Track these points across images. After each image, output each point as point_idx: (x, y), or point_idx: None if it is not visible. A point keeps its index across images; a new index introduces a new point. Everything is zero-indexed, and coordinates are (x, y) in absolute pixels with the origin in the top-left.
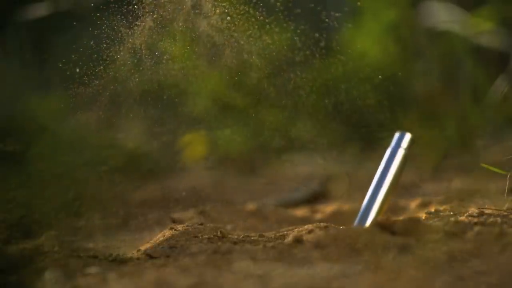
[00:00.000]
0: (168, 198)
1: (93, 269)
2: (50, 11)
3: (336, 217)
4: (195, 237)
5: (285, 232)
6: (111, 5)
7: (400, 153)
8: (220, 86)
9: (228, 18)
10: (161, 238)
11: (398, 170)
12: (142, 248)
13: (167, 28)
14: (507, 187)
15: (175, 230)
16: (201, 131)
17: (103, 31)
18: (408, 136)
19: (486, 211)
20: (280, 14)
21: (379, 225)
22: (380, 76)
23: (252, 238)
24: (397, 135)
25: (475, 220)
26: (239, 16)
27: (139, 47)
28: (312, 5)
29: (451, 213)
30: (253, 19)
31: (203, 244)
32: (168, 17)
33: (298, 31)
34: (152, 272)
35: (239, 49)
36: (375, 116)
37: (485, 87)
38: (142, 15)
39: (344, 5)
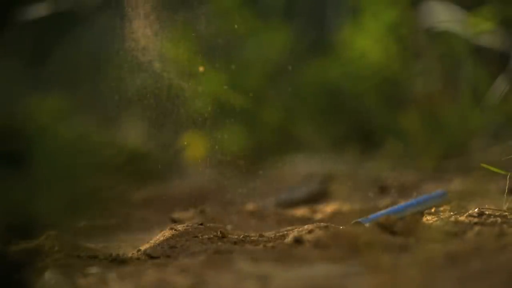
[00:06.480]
0: (168, 198)
1: (93, 269)
2: (50, 11)
3: (336, 217)
4: (195, 237)
5: (285, 232)
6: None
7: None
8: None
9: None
10: (161, 238)
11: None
12: (142, 248)
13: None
14: (507, 187)
15: (175, 230)
16: (201, 131)
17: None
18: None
19: (486, 211)
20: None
21: (379, 225)
22: (380, 76)
23: (252, 238)
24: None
25: (475, 220)
26: None
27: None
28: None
29: (451, 213)
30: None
31: (203, 244)
32: None
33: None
34: (152, 272)
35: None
36: (375, 116)
37: (485, 87)
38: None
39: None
